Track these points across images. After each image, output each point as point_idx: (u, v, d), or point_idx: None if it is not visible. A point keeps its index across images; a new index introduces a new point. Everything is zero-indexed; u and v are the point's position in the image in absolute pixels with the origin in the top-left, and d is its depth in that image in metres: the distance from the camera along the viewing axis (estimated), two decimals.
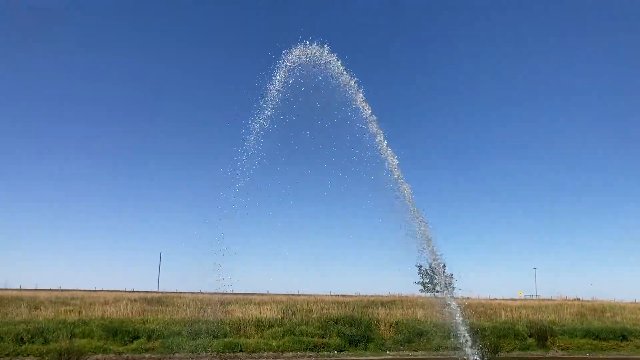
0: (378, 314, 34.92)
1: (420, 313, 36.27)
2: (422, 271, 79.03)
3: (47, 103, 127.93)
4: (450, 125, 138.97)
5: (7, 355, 25.20)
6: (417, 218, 17.70)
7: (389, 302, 39.43)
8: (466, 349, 18.15)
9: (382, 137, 18.55)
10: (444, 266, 75.50)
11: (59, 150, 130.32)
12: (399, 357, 29.89)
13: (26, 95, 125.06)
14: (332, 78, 19.21)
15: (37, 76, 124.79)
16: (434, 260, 18.28)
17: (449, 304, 18.56)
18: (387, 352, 30.50)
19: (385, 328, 32.58)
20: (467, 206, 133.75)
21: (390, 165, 18.18)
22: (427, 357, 30.18)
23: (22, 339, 26.15)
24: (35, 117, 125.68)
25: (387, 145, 18.58)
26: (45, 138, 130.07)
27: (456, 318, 18.46)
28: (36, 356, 25.48)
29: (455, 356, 30.41)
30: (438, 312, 34.78)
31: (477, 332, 31.89)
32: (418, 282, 77.26)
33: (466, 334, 18.10)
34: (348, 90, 18.96)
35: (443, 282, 18.41)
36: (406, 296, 44.45)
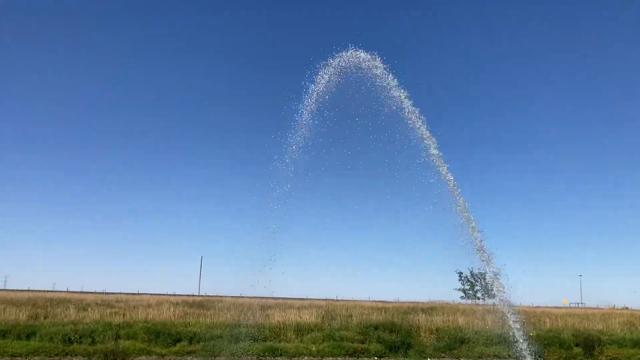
0: (418, 320, 34.56)
1: (461, 320, 35.73)
2: (462, 278, 78.04)
3: (105, 110, 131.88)
4: (497, 128, 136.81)
5: (56, 354, 26.00)
6: (472, 229, 17.21)
7: (429, 309, 39.00)
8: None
9: (434, 145, 18.05)
10: (485, 272, 73.42)
11: (106, 156, 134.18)
12: None
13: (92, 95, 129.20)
14: (378, 84, 18.94)
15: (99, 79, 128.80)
16: (492, 273, 17.48)
17: (507, 312, 17.86)
18: (428, 358, 30.11)
19: (426, 334, 32.21)
20: (510, 211, 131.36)
21: (444, 176, 17.72)
22: None
23: (70, 339, 26.94)
24: (78, 127, 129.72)
25: (441, 158, 18.02)
26: (97, 146, 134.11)
27: (514, 326, 17.84)
28: (83, 356, 26.19)
29: None
30: (494, 320, 34.19)
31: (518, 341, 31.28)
32: (458, 289, 76.42)
33: (524, 344, 17.52)
34: (395, 96, 18.67)
35: (498, 293, 17.56)
36: (446, 302, 43.91)
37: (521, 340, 17.53)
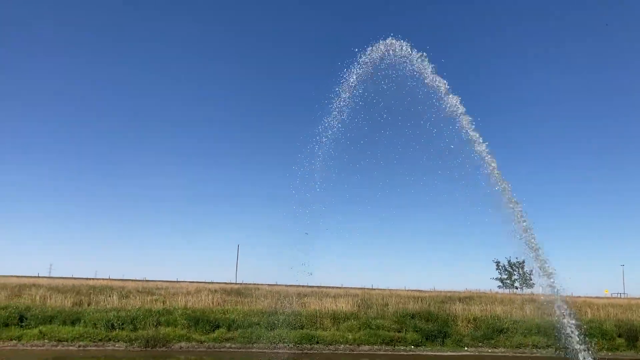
0: (455, 309, 34.27)
1: (499, 309, 35.29)
2: (500, 267, 77.11)
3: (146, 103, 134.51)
4: (537, 119, 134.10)
5: (100, 340, 26.81)
6: (519, 219, 16.69)
7: (466, 298, 38.63)
8: (577, 350, 17.05)
9: (477, 136, 17.58)
10: (523, 262, 72.27)
11: (144, 148, 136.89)
12: (477, 353, 29.20)
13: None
14: (419, 77, 18.59)
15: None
16: (540, 260, 16.82)
17: (555, 301, 17.31)
18: (466, 348, 29.89)
19: (463, 324, 31.93)
20: (551, 200, 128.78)
21: (489, 167, 17.22)
22: (508, 354, 29.33)
23: (113, 325, 27.73)
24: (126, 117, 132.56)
25: (486, 149, 17.47)
26: (136, 136, 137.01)
27: (565, 317, 17.30)
28: (126, 342, 26.93)
29: (538, 354, 29.47)
30: (533, 309, 33.61)
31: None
32: (496, 278, 75.59)
33: (576, 335, 17.01)
34: (435, 86, 18.31)
35: (546, 281, 16.93)
36: (484, 292, 43.41)
37: (571, 330, 17.05)
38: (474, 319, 32.26)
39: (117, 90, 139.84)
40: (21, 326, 27.10)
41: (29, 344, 25.94)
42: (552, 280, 16.81)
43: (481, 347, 30.12)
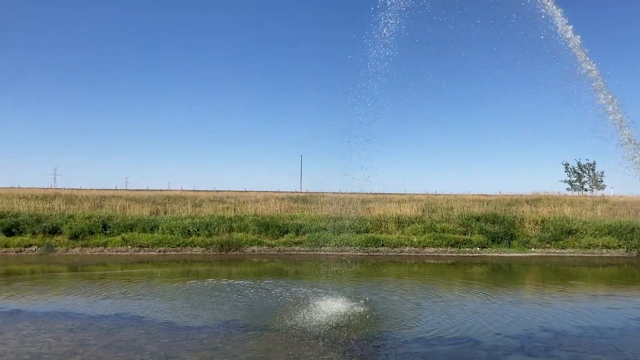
0: (522, 211, 33.95)
1: (568, 211, 34.68)
2: (569, 169, 74.84)
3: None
4: None
5: (178, 245, 28.59)
6: (611, 99, 14.71)
7: (534, 200, 38.03)
8: None
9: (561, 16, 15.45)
10: (594, 163, 69.84)
11: (214, 63, 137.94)
12: (545, 254, 29.13)
13: None
14: None
15: None
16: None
17: None
18: (533, 249, 29.85)
19: (530, 226, 31.70)
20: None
21: (573, 47, 15.14)
22: (576, 255, 29.12)
23: (189, 231, 29.39)
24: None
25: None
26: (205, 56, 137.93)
27: None
28: (202, 247, 28.62)
29: (608, 254, 29.09)
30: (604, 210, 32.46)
31: (633, 230, 30.00)
32: (564, 181, 73.68)
33: None
34: None
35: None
36: (552, 194, 42.50)
37: None
38: (542, 221, 31.91)
39: None
40: (105, 234, 29.16)
41: (114, 250, 28.01)
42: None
43: (549, 248, 29.98)
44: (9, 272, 20.86)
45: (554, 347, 10.22)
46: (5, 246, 27.48)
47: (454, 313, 13.44)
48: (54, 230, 28.94)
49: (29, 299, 15.17)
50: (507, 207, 35.38)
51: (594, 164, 70.08)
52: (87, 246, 28.15)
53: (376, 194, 47.56)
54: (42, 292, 16.36)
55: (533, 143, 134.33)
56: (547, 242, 30.24)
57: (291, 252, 28.59)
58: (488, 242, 30.05)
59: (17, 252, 27.23)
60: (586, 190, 69.76)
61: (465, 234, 30.64)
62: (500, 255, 28.74)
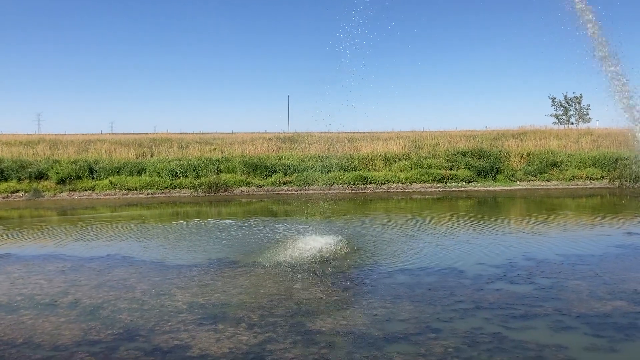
0: (508, 145, 34.22)
1: (554, 144, 34.97)
2: (555, 103, 75.02)
3: None
4: None
5: (166, 188, 28.64)
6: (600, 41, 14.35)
7: (520, 134, 38.24)
8: None
9: None
10: (580, 96, 69.99)
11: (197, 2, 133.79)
12: (530, 187, 29.60)
13: None
14: None
15: None
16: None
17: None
18: (518, 182, 30.28)
19: (516, 159, 32.02)
20: None
21: None
22: (560, 186, 29.61)
23: (176, 173, 29.39)
24: None
25: None
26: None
27: None
28: (190, 188, 28.71)
29: (592, 185, 29.61)
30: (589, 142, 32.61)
31: (617, 161, 30.41)
32: (551, 115, 73.92)
33: None
34: None
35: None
36: (538, 128, 42.68)
37: None
38: (527, 155, 32.23)
39: None
40: (92, 178, 29.08)
41: (102, 194, 28.02)
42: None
43: (534, 181, 30.43)
44: None
45: (536, 275, 10.54)
46: None
47: (439, 245, 13.76)
48: (40, 176, 28.78)
49: (19, 243, 15.28)
50: (493, 141, 35.58)
51: (581, 97, 70.25)
52: (74, 190, 28.13)
53: (363, 132, 47.50)
54: (31, 236, 16.46)
55: (520, 77, 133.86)
56: (532, 175, 30.68)
57: (280, 192, 28.78)
58: (474, 176, 30.40)
59: (3, 198, 27.18)
60: (572, 123, 70.17)
61: (451, 170, 30.93)
62: (485, 189, 29.16)
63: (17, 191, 27.72)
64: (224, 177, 29.50)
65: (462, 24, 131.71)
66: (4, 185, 27.88)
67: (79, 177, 28.81)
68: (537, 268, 11.13)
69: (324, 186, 29.01)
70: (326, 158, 32.01)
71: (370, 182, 29.78)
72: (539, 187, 29.63)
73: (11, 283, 10.58)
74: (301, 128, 59.87)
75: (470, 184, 29.98)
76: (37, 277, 11.04)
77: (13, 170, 28.60)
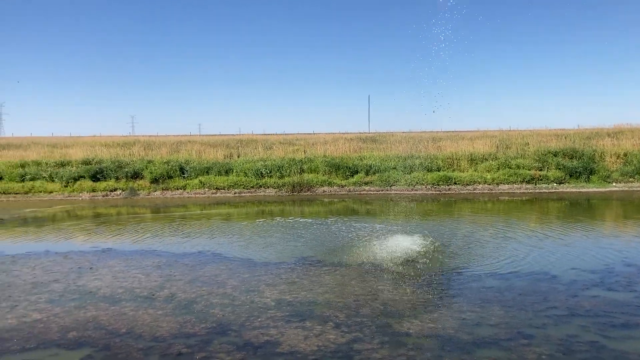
0: (603, 145, 32.38)
1: None
2: None
3: None
4: None
5: (252, 187, 29.49)
6: None
7: (616, 133, 36.02)
8: None
9: None
10: None
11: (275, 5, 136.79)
12: (627, 188, 27.85)
13: None
14: None
15: None
16: None
17: None
18: (614, 184, 28.58)
19: (612, 159, 30.24)
20: None
21: None
22: None
23: (261, 173, 30.17)
24: None
25: None
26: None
27: None
28: (274, 188, 29.37)
29: None
30: None
31: None
32: None
33: None
34: None
35: None
36: (636, 126, 40.04)
37: None
38: (624, 154, 30.36)
39: None
40: (183, 177, 30.45)
41: (193, 192, 29.26)
42: None
43: (632, 182, 28.62)
44: (98, 214, 22.32)
45: (637, 282, 9.93)
46: (93, 190, 29.35)
47: (530, 249, 13.25)
48: (136, 175, 30.51)
49: (118, 238, 16.25)
50: (586, 140, 33.79)
51: None
52: (167, 189, 29.57)
53: (447, 131, 46.63)
54: (129, 232, 17.46)
55: (614, 72, 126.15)
56: (630, 176, 28.87)
57: (361, 192, 28.80)
58: (565, 177, 29.03)
59: (103, 196, 29.02)
60: None
61: (541, 170, 29.70)
62: (578, 190, 27.75)
63: (115, 189, 29.54)
64: (307, 177, 29.94)
65: (551, 17, 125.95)
66: (104, 184, 29.80)
67: (170, 177, 30.27)
68: (638, 275, 10.49)
69: (406, 186, 28.73)
70: (408, 158, 31.69)
71: (455, 183, 29.15)
72: (638, 188, 27.81)
73: (113, 276, 11.31)
74: (382, 128, 59.69)
75: (561, 185, 28.64)
76: (136, 271, 11.72)
77: (111, 170, 30.50)
